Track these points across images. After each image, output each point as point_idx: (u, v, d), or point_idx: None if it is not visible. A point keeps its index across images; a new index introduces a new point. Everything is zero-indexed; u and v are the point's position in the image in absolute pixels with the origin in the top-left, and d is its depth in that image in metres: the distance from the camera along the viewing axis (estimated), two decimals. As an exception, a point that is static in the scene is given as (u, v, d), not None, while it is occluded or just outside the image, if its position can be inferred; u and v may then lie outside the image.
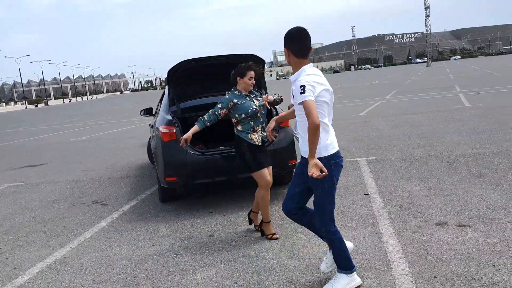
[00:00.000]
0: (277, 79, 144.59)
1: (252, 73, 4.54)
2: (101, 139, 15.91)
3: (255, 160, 4.49)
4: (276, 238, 4.50)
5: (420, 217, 4.70)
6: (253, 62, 5.73)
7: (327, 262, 3.52)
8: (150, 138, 7.67)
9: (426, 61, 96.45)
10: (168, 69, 5.77)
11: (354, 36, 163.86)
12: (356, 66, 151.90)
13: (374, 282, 3.42)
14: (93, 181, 8.35)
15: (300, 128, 3.31)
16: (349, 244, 3.59)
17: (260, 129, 4.55)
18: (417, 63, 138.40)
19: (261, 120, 4.57)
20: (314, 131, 2.96)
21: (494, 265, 3.49)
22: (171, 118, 5.72)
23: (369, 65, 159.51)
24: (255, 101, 4.58)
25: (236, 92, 4.57)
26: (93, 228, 5.49)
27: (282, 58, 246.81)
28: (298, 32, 3.26)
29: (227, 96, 4.56)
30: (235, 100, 4.50)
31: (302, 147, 3.32)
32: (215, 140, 6.67)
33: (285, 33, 3.28)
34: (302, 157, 3.40)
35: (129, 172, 8.89)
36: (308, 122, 2.99)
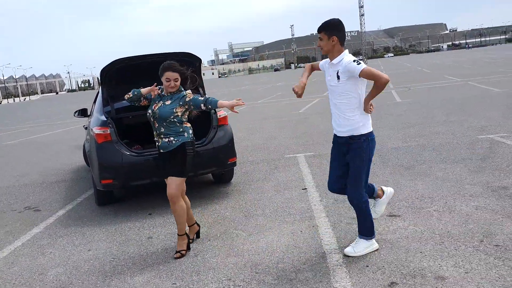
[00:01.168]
0: (219, 77, 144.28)
1: (169, 74, 4.12)
2: (34, 142, 15.18)
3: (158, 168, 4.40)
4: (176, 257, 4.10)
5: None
6: (189, 60, 5.72)
7: (375, 210, 4.06)
8: (85, 140, 7.44)
9: (361, 59, 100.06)
10: (101, 69, 5.62)
11: (293, 34, 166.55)
12: (296, 64, 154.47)
13: (310, 274, 3.53)
14: (26, 186, 7.97)
15: (338, 109, 3.74)
16: (390, 190, 4.17)
17: (157, 135, 4.22)
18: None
19: (157, 125, 4.18)
20: (385, 84, 3.56)
21: (421, 252, 3.70)
22: (105, 119, 5.58)
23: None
24: (161, 102, 4.19)
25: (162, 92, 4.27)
26: (25, 235, 5.24)
27: (223, 56, 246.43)
28: (341, 23, 3.67)
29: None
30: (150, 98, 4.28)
31: (340, 128, 3.74)
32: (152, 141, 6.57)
33: (328, 23, 3.64)
34: (337, 137, 3.83)
35: (64, 175, 8.56)
36: (379, 81, 3.53)
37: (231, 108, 4.03)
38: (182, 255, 4.10)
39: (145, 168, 5.43)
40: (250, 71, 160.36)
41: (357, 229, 3.96)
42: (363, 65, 3.54)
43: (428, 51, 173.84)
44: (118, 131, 5.66)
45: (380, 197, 4.09)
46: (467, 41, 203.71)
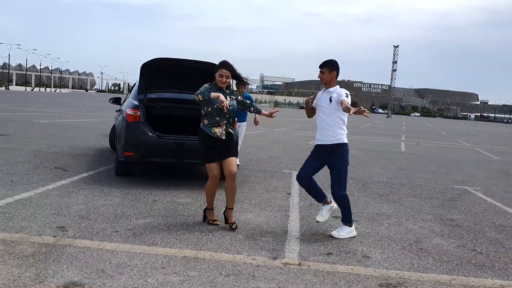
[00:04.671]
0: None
1: (223, 71, 4.77)
2: (64, 124, 16.59)
3: (207, 154, 4.82)
4: (216, 224, 4.92)
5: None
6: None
7: (322, 214, 4.99)
8: (113, 125, 8.70)
9: (386, 112, 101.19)
10: (143, 63, 6.89)
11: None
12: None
13: (271, 239, 4.60)
14: (55, 153, 9.20)
15: (327, 124, 4.87)
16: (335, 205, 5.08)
17: (225, 124, 4.82)
18: (379, 113, 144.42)
19: (227, 116, 4.82)
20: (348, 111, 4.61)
21: (361, 242, 4.75)
22: (137, 104, 6.80)
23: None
24: (228, 97, 4.84)
25: (213, 87, 4.80)
26: (55, 183, 6.41)
27: (253, 86, 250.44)
28: (338, 64, 4.97)
29: (204, 88, 4.76)
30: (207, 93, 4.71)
31: (327, 138, 4.86)
32: (175, 131, 7.73)
33: (330, 61, 4.92)
34: (320, 146, 4.94)
35: (89, 152, 9.80)
36: (349, 107, 4.59)
37: (270, 115, 5.15)
38: (217, 224, 4.95)
39: (162, 149, 6.59)
40: (276, 104, 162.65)
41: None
42: (346, 98, 4.75)
43: (455, 117, 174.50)
44: (147, 117, 6.86)
45: (328, 203, 5.02)
46: (496, 115, 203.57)
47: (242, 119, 8.75)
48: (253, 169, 9.17)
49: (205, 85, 4.81)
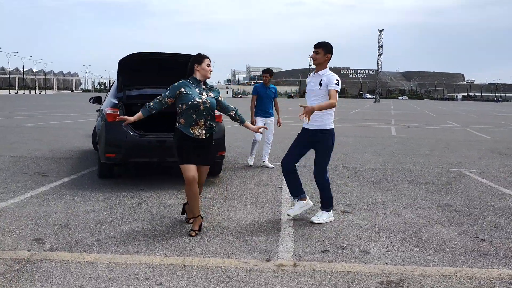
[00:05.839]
0: (233, 96, 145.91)
1: (208, 61, 4.48)
2: (48, 127, 16.15)
3: (182, 154, 4.40)
4: (190, 235, 4.33)
5: (316, 205, 5.67)
6: None
7: (294, 208, 5.02)
8: (96, 122, 8.34)
9: (374, 97, 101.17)
10: (120, 59, 6.54)
11: (311, 65, 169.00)
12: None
13: (263, 238, 4.33)
14: (36, 158, 8.85)
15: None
16: (311, 203, 5.10)
17: (203, 123, 4.42)
18: (367, 98, 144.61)
19: (205, 114, 4.42)
20: (331, 106, 4.65)
21: (357, 236, 4.50)
22: (116, 102, 6.48)
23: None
24: (204, 93, 4.44)
25: (190, 81, 4.46)
26: (33, 191, 6.08)
27: (240, 77, 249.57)
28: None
29: (176, 84, 4.43)
30: (182, 89, 4.37)
31: (311, 122, 4.69)
32: (156, 128, 7.43)
33: (327, 43, 4.81)
34: (307, 129, 4.95)
35: (72, 154, 9.45)
36: (331, 101, 4.63)
37: (256, 130, 5.06)
38: (192, 235, 4.34)
39: (145, 148, 6.28)
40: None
41: (312, 217, 4.77)
42: (336, 87, 4.71)
43: (442, 98, 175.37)
44: (127, 115, 6.53)
45: (303, 200, 5.02)
46: (483, 94, 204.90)
47: (271, 114, 8.40)
48: (242, 163, 8.89)
49: (174, 85, 4.43)
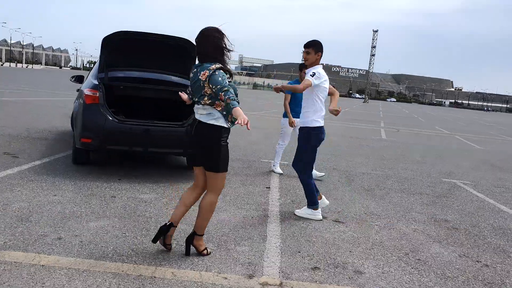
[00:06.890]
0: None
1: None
2: (28, 103, 15.45)
3: (228, 159, 3.69)
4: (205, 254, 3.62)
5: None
6: (186, 46, 6.13)
7: (302, 209, 5.04)
8: (75, 101, 7.78)
9: (363, 97, 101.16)
10: (104, 36, 5.99)
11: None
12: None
13: (247, 248, 3.89)
14: (9, 136, 8.26)
15: (303, 104, 5.02)
16: (325, 201, 5.14)
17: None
18: (356, 98, 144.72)
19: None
20: (293, 89, 5.17)
21: (350, 251, 4.08)
22: (97, 83, 5.93)
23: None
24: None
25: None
26: (-2, 173, 5.55)
27: (232, 67, 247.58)
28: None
29: (222, 71, 3.49)
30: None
31: (301, 118, 5.10)
32: (140, 115, 6.89)
33: (316, 42, 4.82)
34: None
35: (48, 135, 8.87)
36: (296, 85, 5.04)
37: (245, 122, 3.32)
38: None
39: (125, 136, 5.76)
40: (255, 86, 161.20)
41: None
42: (310, 77, 4.74)
43: (430, 103, 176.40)
44: (108, 99, 6.01)
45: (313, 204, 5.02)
46: (470, 102, 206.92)
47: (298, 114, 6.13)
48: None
49: (221, 73, 3.45)
